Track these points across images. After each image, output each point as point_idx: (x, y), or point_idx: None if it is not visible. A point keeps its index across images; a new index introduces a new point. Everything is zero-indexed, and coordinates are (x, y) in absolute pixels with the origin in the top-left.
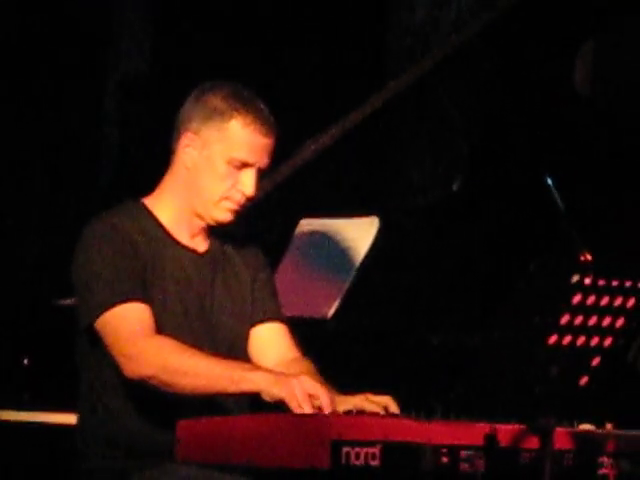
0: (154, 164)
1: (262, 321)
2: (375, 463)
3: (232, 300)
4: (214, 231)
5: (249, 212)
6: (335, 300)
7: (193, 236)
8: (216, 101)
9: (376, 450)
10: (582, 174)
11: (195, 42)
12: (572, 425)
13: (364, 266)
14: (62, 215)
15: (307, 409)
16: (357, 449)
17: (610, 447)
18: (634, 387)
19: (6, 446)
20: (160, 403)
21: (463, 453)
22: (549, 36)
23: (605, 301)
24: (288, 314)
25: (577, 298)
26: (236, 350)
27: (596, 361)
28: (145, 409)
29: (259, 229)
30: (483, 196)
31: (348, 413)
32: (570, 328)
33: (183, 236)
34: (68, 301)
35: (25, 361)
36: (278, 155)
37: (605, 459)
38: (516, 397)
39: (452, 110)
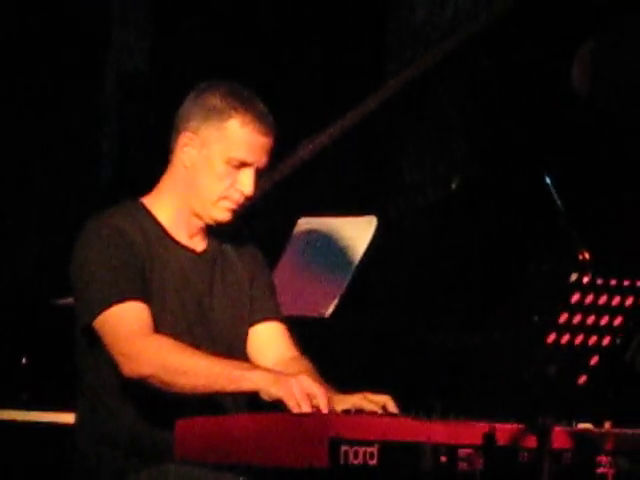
0: (153, 164)
1: (261, 320)
2: (373, 462)
3: (230, 299)
4: (212, 230)
5: (247, 211)
6: (333, 299)
7: (192, 236)
8: (215, 100)
9: (374, 449)
10: (582, 174)
11: (195, 42)
12: (570, 424)
13: (362, 265)
14: (62, 215)
15: (305, 408)
16: (355, 448)
17: (608, 446)
18: (632, 386)
19: (5, 446)
20: (159, 402)
21: (461, 452)
22: (548, 36)
23: (603, 300)
24: (286, 313)
25: (575, 297)
26: (234, 349)
27: (594, 360)
28: (144, 408)
29: (257, 228)
30: (483, 196)
31: (346, 412)
32: (568, 327)
33: (182, 236)
34: (67, 301)
35: (24, 360)
36: (277, 154)
37: (603, 458)
38: (514, 396)
39: (452, 110)
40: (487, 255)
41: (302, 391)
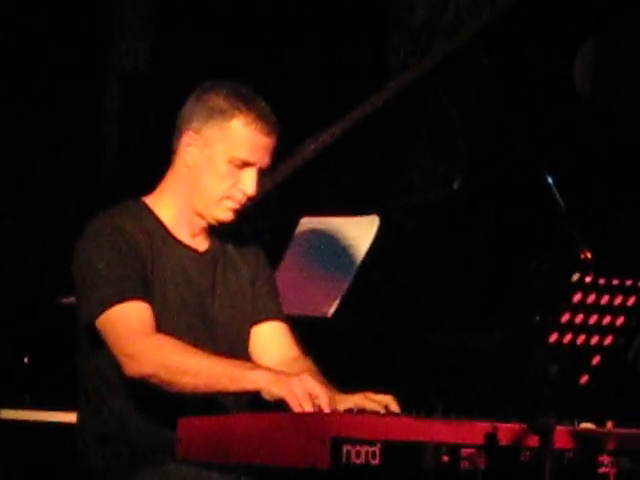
0: (155, 163)
1: (263, 320)
2: (375, 462)
3: (232, 299)
4: (215, 230)
5: (250, 211)
6: (335, 299)
7: (194, 235)
8: (218, 100)
9: (376, 449)
10: (583, 174)
11: (195, 42)
12: (572, 424)
13: (364, 265)
14: (62, 215)
15: (307, 408)
16: (357, 448)
17: (610, 446)
18: (634, 385)
19: (7, 445)
20: (161, 402)
21: (464, 452)
22: (549, 36)
23: (605, 300)
24: (289, 313)
25: (577, 297)
26: (236, 349)
27: (596, 360)
28: (146, 408)
29: (260, 228)
30: (483, 196)
31: (348, 412)
32: (570, 327)
33: (184, 235)
34: (68, 300)
35: (25, 360)
36: (279, 154)
37: (605, 458)
38: (516, 396)
39: (452, 110)
40: (487, 255)
41: (304, 391)
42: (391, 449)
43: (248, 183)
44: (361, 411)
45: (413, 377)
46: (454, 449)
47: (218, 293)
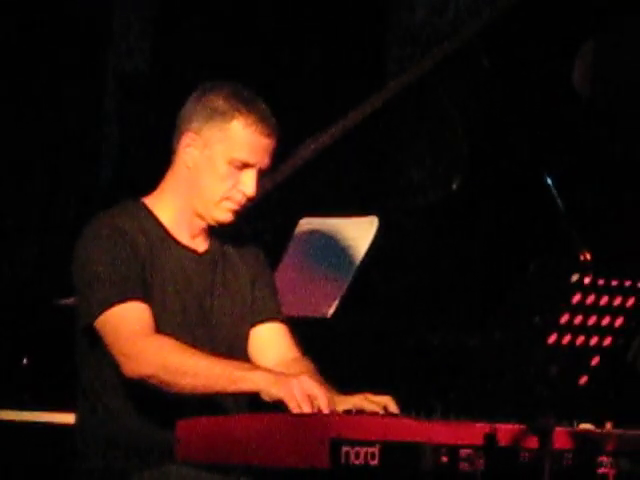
0: (154, 164)
1: (262, 321)
2: (374, 463)
3: (232, 300)
4: (214, 231)
5: (249, 212)
6: (335, 299)
7: (193, 236)
8: (218, 101)
9: (375, 450)
10: (582, 174)
11: (195, 42)
12: (572, 425)
13: (364, 265)
14: (62, 215)
15: (306, 409)
16: (356, 448)
17: (609, 446)
18: (633, 386)
19: (6, 446)
20: (160, 403)
21: (463, 452)
22: (549, 36)
23: (604, 300)
24: (288, 313)
25: (577, 297)
26: (235, 350)
27: (595, 360)
28: (145, 409)
29: (259, 229)
30: (483, 196)
31: (347, 413)
32: (569, 327)
33: (183, 236)
34: (68, 301)
35: (24, 361)
36: (278, 155)
37: (604, 458)
38: (516, 396)
39: (452, 110)
40: (487, 255)
41: (303, 392)
42: (390, 450)
43: (248, 184)
44: (360, 412)
45: (412, 378)
46: (453, 450)
47: (217, 294)
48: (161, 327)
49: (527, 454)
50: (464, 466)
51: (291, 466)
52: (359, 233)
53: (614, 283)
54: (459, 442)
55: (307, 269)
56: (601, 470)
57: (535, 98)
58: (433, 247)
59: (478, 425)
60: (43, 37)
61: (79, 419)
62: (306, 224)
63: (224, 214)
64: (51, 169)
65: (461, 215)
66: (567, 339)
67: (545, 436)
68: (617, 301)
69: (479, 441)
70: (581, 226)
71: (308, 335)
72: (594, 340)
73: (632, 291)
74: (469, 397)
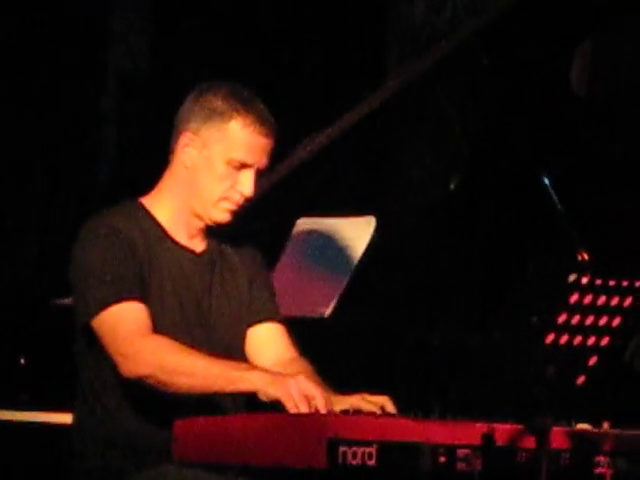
0: (154, 164)
1: (260, 321)
2: (372, 463)
3: (229, 300)
4: (212, 231)
5: (247, 212)
6: (332, 299)
7: (191, 236)
8: (216, 101)
9: (373, 450)
10: (581, 174)
11: (195, 42)
12: (569, 424)
13: (361, 266)
14: (62, 215)
15: (303, 409)
16: (354, 449)
17: (607, 446)
18: (631, 386)
19: (4, 446)
20: (158, 403)
21: (460, 452)
22: (549, 35)
23: (602, 300)
24: (285, 314)
25: (574, 297)
26: (233, 350)
27: (593, 360)
28: (143, 408)
29: (256, 229)
30: (482, 195)
31: (345, 413)
32: (567, 327)
33: (181, 236)
34: (65, 300)
35: (22, 360)
36: (277, 155)
37: (602, 458)
38: (513, 396)
39: (451, 109)
40: (486, 255)
41: (300, 392)
42: (387, 450)
43: (246, 184)
44: (357, 412)
45: (410, 378)
46: (451, 450)
47: (215, 294)
48: (159, 327)
49: (524, 454)
50: (462, 466)
51: (288, 466)
52: (356, 233)
53: (612, 283)
54: (457, 442)
55: (304, 269)
56: (598, 470)
57: (535, 98)
58: (432, 247)
59: (476, 425)
60: (43, 37)
61: (77, 419)
62: (304, 224)
63: (222, 214)
64: (51, 169)
65: (459, 215)
66: (565, 339)
67: (542, 436)
68: (614, 301)
69: (477, 441)
70: (579, 226)
71: (305, 335)
72: (592, 340)
73: (630, 291)
74: (467, 397)
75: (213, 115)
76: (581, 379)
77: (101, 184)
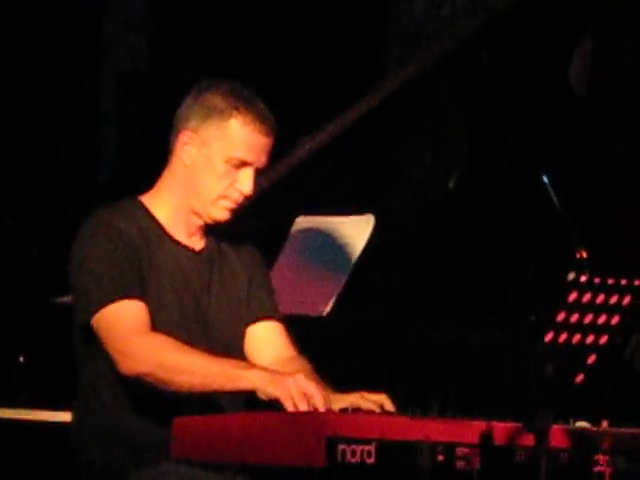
0: (154, 163)
1: (258, 319)
2: (371, 461)
3: (228, 299)
4: (211, 230)
5: (245, 210)
6: (331, 298)
7: (190, 234)
8: (216, 99)
9: (372, 448)
10: (580, 173)
11: (194, 42)
12: (568, 423)
13: (360, 264)
14: (62, 215)
15: (302, 408)
16: (353, 447)
17: (606, 445)
18: (629, 384)
19: (4, 444)
20: (157, 400)
21: (459, 451)
22: (549, 35)
23: (601, 299)
24: (284, 312)
25: (573, 296)
26: (232, 348)
27: (592, 359)
28: (142, 406)
29: (255, 227)
30: (482, 194)
31: (344, 411)
32: (566, 326)
33: (180, 234)
34: (65, 299)
35: (21, 359)
36: (277, 154)
37: (601, 457)
38: (512, 395)
39: (451, 108)
40: (485, 253)
41: (299, 391)
42: (386, 448)
43: (245, 183)
44: (356, 410)
45: (409, 376)
46: (449, 448)
47: (214, 292)
48: (158, 325)
49: (523, 452)
50: (460, 464)
51: (287, 464)
52: (355, 231)
53: (610, 281)
54: (455, 440)
55: (303, 267)
56: (597, 468)
57: (535, 97)
58: (432, 246)
59: (474, 423)
60: (43, 37)
61: (76, 417)
62: (303, 222)
63: (221, 212)
64: (51, 169)
65: (460, 214)
66: (563, 337)
67: (541, 434)
68: (613, 299)
69: (475, 439)
70: (578, 224)
71: (304, 333)
72: (590, 338)
73: (628, 289)
74: (466, 395)
75: (213, 113)
76: (580, 377)
77: (101, 184)
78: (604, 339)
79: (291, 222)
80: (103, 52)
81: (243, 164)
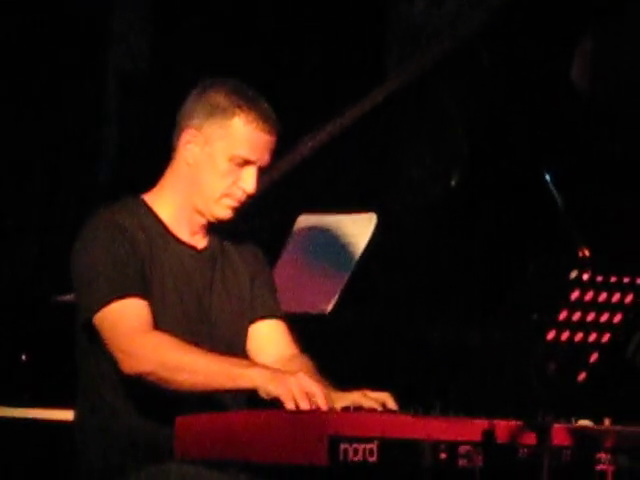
0: (153, 163)
1: (261, 318)
2: (373, 459)
3: (230, 297)
4: (214, 228)
5: (248, 209)
6: (333, 296)
7: (193, 233)
8: (219, 98)
9: (374, 446)
10: (582, 172)
11: (195, 42)
12: (570, 421)
13: (362, 262)
14: (62, 215)
15: (304, 406)
16: (355, 445)
17: (608, 443)
18: (632, 383)
19: (4, 443)
20: (159, 400)
21: (461, 449)
22: (550, 35)
23: (603, 297)
24: (287, 310)
25: (575, 294)
26: (234, 347)
27: (594, 357)
28: (144, 405)
29: (258, 225)
30: (482, 194)
31: (346, 409)
32: (568, 324)
33: (183, 233)
34: (66, 297)
35: (23, 357)
36: (278, 153)
37: (603, 455)
38: (514, 393)
39: (452, 108)
40: (486, 254)
41: (300, 389)
42: (389, 447)
43: (248, 181)
44: (358, 409)
45: (411, 375)
46: (452, 446)
47: (216, 291)
48: (160, 323)
49: (525, 450)
50: (463, 462)
51: (289, 463)
52: (358, 230)
53: (613, 280)
54: (458, 439)
55: (306, 266)
56: (600, 467)
57: (535, 97)
58: (432, 246)
59: (476, 422)
60: (43, 37)
61: (78, 416)
62: (305, 221)
63: (224, 211)
64: (51, 169)
65: (460, 214)
66: (566, 336)
67: (543, 432)
68: (615, 297)
69: (478, 438)
70: (580, 223)
71: (307, 332)
72: (593, 336)
73: (631, 287)
74: (468, 394)
75: (216, 112)
76: (582, 376)
77: (101, 184)
78: (606, 337)
79: (293, 220)
80: (104, 52)
81: (246, 162)
